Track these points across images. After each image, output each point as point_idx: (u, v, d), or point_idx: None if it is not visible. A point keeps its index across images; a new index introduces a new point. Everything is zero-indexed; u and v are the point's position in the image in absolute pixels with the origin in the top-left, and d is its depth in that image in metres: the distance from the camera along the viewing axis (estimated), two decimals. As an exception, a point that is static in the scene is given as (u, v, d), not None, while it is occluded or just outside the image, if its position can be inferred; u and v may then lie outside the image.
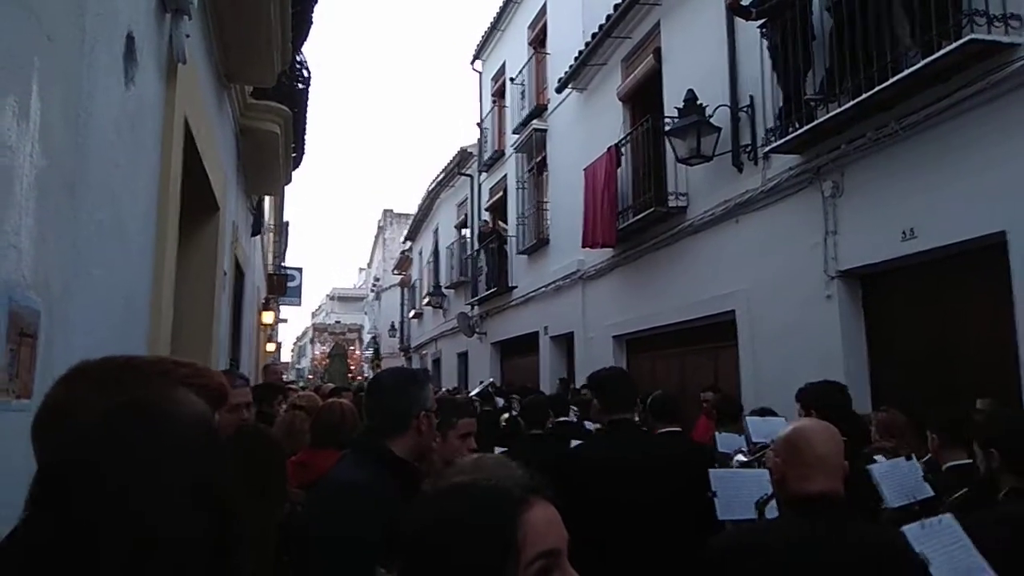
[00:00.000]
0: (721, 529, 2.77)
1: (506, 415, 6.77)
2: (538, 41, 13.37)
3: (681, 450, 3.36)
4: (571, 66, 10.40)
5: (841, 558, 1.73)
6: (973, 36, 4.22)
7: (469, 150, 16.63)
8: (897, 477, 2.68)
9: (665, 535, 2.79)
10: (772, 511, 2.48)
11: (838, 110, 5.23)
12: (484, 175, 15.74)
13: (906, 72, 4.63)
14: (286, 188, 10.84)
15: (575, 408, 5.99)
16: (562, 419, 4.78)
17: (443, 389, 11.98)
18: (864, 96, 4.94)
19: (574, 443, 3.81)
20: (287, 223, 18.59)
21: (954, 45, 4.28)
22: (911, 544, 1.88)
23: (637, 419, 3.43)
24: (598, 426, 5.83)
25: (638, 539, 2.80)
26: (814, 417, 2.76)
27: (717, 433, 4.44)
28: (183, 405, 0.78)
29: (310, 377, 37.31)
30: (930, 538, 1.93)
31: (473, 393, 9.46)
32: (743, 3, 6.27)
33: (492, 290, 13.83)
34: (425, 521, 0.85)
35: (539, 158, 12.61)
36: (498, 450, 4.49)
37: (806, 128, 5.56)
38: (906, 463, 2.80)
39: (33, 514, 0.70)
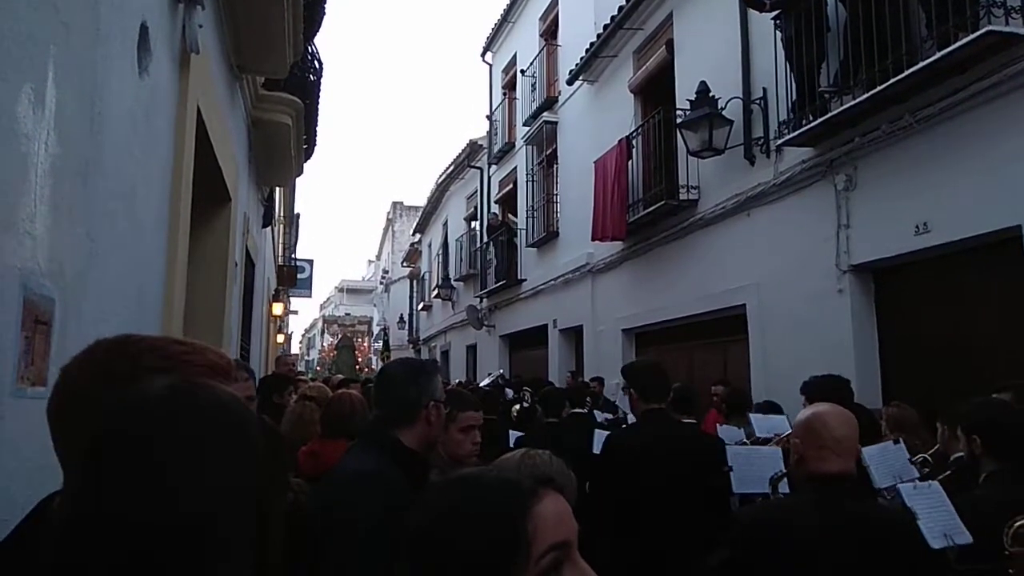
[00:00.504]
0: (731, 509, 3.02)
1: (517, 406, 6.80)
2: (549, 33, 13.31)
3: (706, 439, 3.62)
4: (582, 58, 10.34)
5: (854, 533, 1.86)
6: (990, 28, 4.15)
7: (479, 142, 16.58)
8: (886, 460, 2.81)
9: (689, 516, 3.03)
10: (784, 487, 2.69)
11: (852, 103, 5.18)
12: (494, 167, 15.71)
13: (921, 64, 4.58)
14: (297, 180, 10.85)
15: (588, 399, 6.10)
16: (576, 410, 4.91)
17: (455, 381, 12.00)
18: (879, 88, 4.89)
19: (599, 433, 3.92)
20: (298, 215, 18.63)
21: (971, 37, 4.22)
22: (905, 501, 2.17)
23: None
24: (608, 416, 5.90)
25: (668, 518, 3.03)
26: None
27: (718, 425, 4.56)
28: (227, 394, 0.78)
29: (318, 369, 37.45)
30: (920, 497, 2.25)
31: (482, 384, 9.49)
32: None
33: (501, 283, 13.82)
34: (433, 513, 0.82)
35: (549, 150, 12.57)
36: (514, 435, 4.54)
37: (819, 121, 5.51)
38: (894, 447, 2.93)
39: (70, 482, 0.70)
